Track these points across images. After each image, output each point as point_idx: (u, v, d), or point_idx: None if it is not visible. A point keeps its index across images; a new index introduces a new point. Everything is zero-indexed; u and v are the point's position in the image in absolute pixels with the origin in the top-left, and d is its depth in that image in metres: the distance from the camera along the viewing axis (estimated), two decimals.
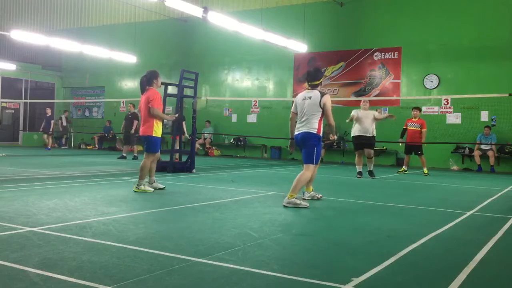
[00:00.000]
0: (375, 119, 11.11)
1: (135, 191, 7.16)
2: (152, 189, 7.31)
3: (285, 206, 6.15)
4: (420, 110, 13.21)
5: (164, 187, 7.61)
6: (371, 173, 11.04)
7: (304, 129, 6.45)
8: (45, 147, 19.98)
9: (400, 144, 13.85)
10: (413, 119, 12.76)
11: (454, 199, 7.81)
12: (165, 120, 8.06)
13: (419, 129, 12.57)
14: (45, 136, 20.10)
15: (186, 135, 12.90)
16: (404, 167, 12.86)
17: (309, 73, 6.71)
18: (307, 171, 6.40)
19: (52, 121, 19.99)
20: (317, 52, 17.66)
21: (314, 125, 6.42)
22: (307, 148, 6.44)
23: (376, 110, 12.64)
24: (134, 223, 4.91)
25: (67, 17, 24.25)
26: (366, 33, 16.90)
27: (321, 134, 6.52)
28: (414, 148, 12.62)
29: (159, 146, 7.57)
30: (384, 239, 4.50)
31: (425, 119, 15.95)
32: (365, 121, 10.97)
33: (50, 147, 19.95)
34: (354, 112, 11.16)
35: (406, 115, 15.79)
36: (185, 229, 4.68)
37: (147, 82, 7.47)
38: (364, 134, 11.01)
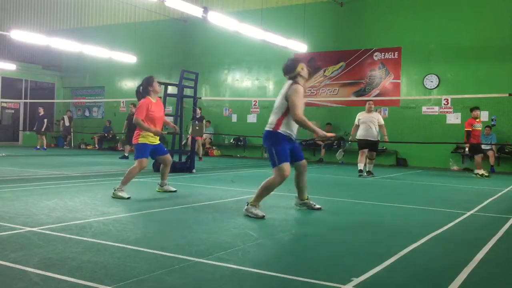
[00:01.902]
0: (379, 124, 11.23)
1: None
2: (126, 195, 6.44)
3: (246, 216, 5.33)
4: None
5: (176, 190, 7.23)
6: (370, 173, 11.35)
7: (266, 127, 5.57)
8: (37, 147, 19.88)
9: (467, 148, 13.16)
10: (477, 120, 11.95)
11: (454, 199, 7.81)
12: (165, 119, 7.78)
13: (480, 129, 12.25)
14: (38, 135, 20.04)
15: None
16: (482, 170, 12.18)
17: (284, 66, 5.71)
18: (272, 177, 5.47)
19: (45, 120, 19.91)
20: (317, 52, 17.65)
21: (272, 121, 5.54)
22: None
23: (376, 111, 12.58)
24: (134, 223, 4.91)
25: (67, 17, 24.25)
26: (366, 33, 16.88)
27: (279, 130, 5.52)
28: (481, 148, 12.28)
29: (146, 153, 6.76)
30: (384, 239, 4.50)
31: (425, 119, 15.91)
32: (370, 125, 11.06)
33: (39, 147, 19.79)
34: (357, 119, 11.30)
35: (406, 115, 15.81)
36: (185, 229, 4.67)
37: (143, 92, 6.87)
38: (370, 139, 11.10)
